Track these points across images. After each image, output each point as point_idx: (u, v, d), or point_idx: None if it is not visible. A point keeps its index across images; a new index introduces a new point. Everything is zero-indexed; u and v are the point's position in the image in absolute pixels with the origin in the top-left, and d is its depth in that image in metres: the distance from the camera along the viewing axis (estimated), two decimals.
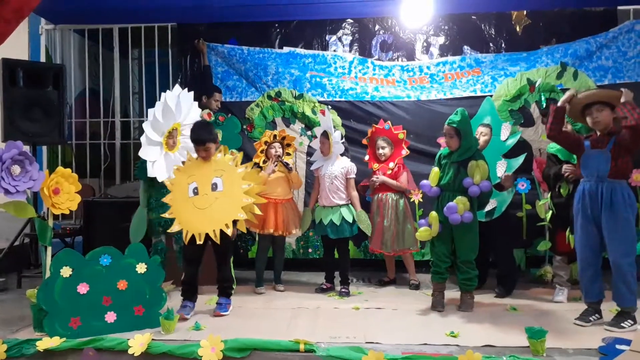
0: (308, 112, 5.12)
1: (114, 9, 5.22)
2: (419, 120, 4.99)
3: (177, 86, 4.13)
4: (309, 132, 5.13)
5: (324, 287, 4.30)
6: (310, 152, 4.96)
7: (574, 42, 4.96)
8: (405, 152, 4.44)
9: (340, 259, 4.33)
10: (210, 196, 3.44)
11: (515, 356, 2.66)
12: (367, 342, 2.91)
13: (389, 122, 4.50)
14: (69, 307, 3.07)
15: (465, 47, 5.29)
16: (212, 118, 4.73)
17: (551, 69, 4.92)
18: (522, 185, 4.40)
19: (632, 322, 3.16)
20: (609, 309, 3.35)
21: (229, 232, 3.39)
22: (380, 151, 4.43)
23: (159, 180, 3.91)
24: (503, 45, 5.26)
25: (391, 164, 4.39)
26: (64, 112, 4.74)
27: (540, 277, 4.37)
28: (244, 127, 5.15)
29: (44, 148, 5.63)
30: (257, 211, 3.53)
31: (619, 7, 5.14)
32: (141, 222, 4.08)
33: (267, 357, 2.78)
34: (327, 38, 5.44)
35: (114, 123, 5.94)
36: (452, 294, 3.86)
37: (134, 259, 3.26)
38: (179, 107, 3.97)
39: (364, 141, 4.58)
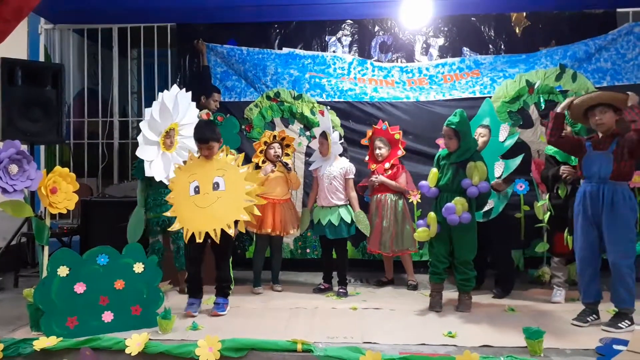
0: (307, 113, 5.12)
1: (114, 9, 5.22)
2: (417, 121, 4.99)
3: (174, 86, 4.13)
4: (307, 133, 5.13)
5: (322, 287, 4.29)
6: (309, 153, 4.96)
7: (573, 44, 4.97)
8: (401, 152, 4.44)
9: (338, 259, 4.33)
10: (211, 195, 3.44)
11: (512, 356, 2.66)
12: (364, 342, 2.91)
13: (386, 122, 4.51)
14: (66, 306, 3.06)
15: (465, 48, 5.30)
16: (211, 118, 4.73)
17: (550, 71, 4.93)
18: (521, 187, 4.39)
19: (629, 323, 3.17)
20: (606, 309, 3.37)
21: (231, 232, 3.38)
22: (378, 151, 4.44)
23: (156, 179, 3.91)
24: (502, 46, 5.27)
25: (387, 164, 4.40)
26: (63, 112, 4.72)
27: (538, 277, 4.37)
28: (243, 127, 5.15)
29: (42, 147, 5.62)
30: (257, 212, 3.53)
31: (618, 10, 5.16)
32: (139, 221, 4.07)
33: (265, 357, 2.77)
34: (326, 39, 5.44)
35: (113, 123, 5.93)
36: (450, 294, 3.87)
37: (132, 259, 3.25)
38: (177, 106, 3.96)
39: (364, 142, 4.58)
